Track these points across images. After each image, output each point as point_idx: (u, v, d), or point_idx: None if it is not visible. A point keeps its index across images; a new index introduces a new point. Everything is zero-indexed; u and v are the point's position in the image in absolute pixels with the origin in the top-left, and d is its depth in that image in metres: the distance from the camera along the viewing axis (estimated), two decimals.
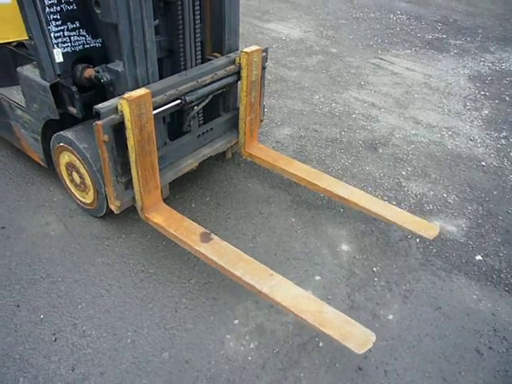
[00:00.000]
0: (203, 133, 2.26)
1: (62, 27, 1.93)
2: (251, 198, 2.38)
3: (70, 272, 1.94)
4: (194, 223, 1.89)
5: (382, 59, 4.20)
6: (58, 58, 1.94)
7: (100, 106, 1.67)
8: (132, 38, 1.78)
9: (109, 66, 1.88)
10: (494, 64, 4.14)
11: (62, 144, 2.08)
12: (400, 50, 4.42)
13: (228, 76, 2.15)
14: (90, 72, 1.95)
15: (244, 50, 2.12)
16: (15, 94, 2.32)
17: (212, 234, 1.82)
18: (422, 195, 2.44)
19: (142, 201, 1.88)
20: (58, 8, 1.90)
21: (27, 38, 2.29)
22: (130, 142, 1.71)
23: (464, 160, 2.75)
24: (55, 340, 1.67)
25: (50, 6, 1.87)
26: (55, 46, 1.92)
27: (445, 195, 2.44)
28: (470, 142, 2.93)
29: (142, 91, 1.70)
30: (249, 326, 1.73)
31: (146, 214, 1.91)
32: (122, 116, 1.67)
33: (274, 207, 2.33)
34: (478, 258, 2.06)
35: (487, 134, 3.04)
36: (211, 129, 2.31)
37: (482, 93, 3.59)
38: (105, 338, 1.68)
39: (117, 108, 1.69)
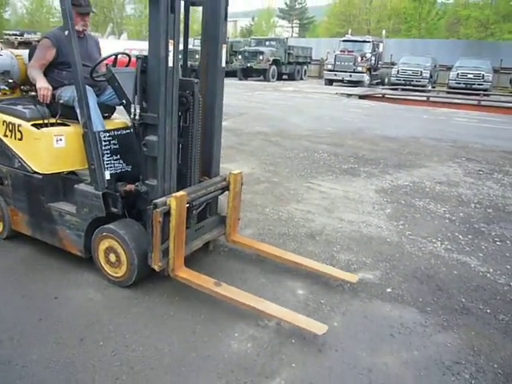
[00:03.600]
0: (203, 226, 3.34)
1: (110, 158, 3.05)
2: (232, 271, 3.36)
3: (114, 318, 2.75)
4: (207, 276, 2.89)
5: (311, 183, 5.59)
6: (107, 176, 3.02)
7: (156, 201, 2.74)
8: (164, 164, 2.91)
9: (146, 182, 2.97)
10: (393, 181, 5.66)
11: (104, 233, 3.04)
12: (324, 177, 5.87)
13: (221, 188, 3.33)
14: (130, 186, 3.02)
15: (232, 172, 3.34)
16: (63, 205, 3.30)
17: (221, 282, 2.81)
18: (348, 260, 3.54)
19: (174, 263, 2.86)
20: (109, 147, 3.05)
21: (77, 168, 3.41)
22: (172, 223, 2.76)
23: (375, 239, 3.94)
24: (114, 355, 2.45)
25: (105, 145, 3.01)
26: (106, 169, 3.02)
27: (364, 259, 3.56)
28: (379, 229, 4.16)
29: (182, 193, 2.82)
30: (244, 335, 2.61)
31: (176, 272, 2.88)
32: (169, 207, 2.74)
33: (249, 275, 3.31)
34: (388, 290, 3.12)
35: (390, 223, 4.31)
36: (210, 221, 3.43)
37: (385, 199, 4.97)
38: (148, 353, 2.48)
39: (165, 202, 2.75)
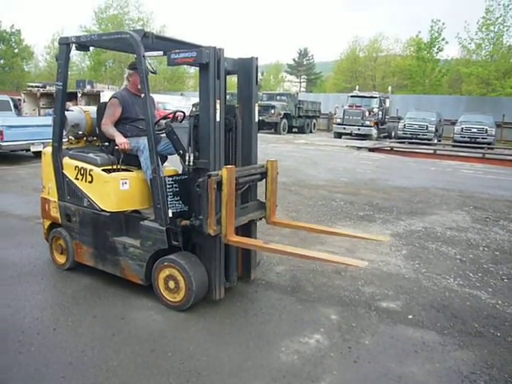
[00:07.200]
0: (247, 206, 3.86)
1: (172, 199, 3.62)
2: (271, 299, 3.84)
3: (177, 334, 3.23)
4: (257, 239, 3.57)
5: (332, 227, 6.10)
6: (170, 214, 3.57)
7: (210, 173, 3.31)
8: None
9: (199, 217, 3.51)
10: (406, 227, 6.17)
11: (165, 263, 3.55)
12: (343, 222, 6.39)
13: (260, 173, 3.87)
14: (186, 222, 3.57)
15: (269, 160, 3.90)
16: (127, 239, 3.84)
17: (269, 241, 3.48)
18: (372, 293, 4.01)
19: (226, 229, 3.36)
20: (171, 190, 3.62)
21: (137, 207, 3.96)
22: (224, 191, 3.29)
23: (395, 275, 4.41)
24: (183, 363, 2.91)
25: (169, 189, 3.58)
26: (169, 208, 3.57)
27: (386, 292, 4.03)
28: (397, 267, 4.64)
29: (231, 166, 3.40)
30: (290, 349, 3.07)
31: (228, 237, 3.39)
32: (221, 177, 3.29)
33: (287, 302, 3.78)
34: (410, 316, 3.58)
35: (407, 262, 4.79)
36: (252, 204, 3.95)
37: (401, 242, 5.47)
38: (211, 361, 2.94)
39: (218, 174, 3.32)
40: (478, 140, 20.05)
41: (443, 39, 33.17)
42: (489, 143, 19.57)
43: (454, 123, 22.65)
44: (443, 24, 32.65)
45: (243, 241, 3.52)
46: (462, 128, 20.89)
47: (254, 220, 3.97)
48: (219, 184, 3.35)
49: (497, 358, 3.03)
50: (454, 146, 19.68)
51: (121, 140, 3.92)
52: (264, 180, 3.94)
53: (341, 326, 3.41)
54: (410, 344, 3.18)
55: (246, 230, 3.93)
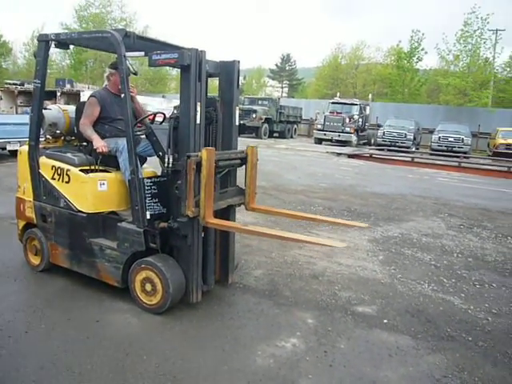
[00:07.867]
0: (226, 191, 3.85)
1: (151, 201, 3.59)
2: (249, 302, 3.84)
3: (153, 338, 3.20)
4: (235, 222, 3.60)
5: (310, 232, 6.13)
6: (147, 216, 3.55)
7: (189, 154, 3.30)
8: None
9: (177, 219, 3.50)
10: (383, 233, 6.25)
11: (143, 266, 3.52)
12: (321, 227, 6.43)
13: (241, 158, 3.87)
14: (164, 224, 3.55)
15: (249, 146, 3.89)
16: (103, 241, 3.79)
17: (248, 224, 3.34)
18: (349, 297, 4.04)
19: (205, 211, 3.34)
20: (150, 191, 3.59)
21: (115, 209, 3.92)
22: (203, 173, 3.27)
23: (371, 280, 4.47)
24: (158, 366, 2.88)
25: (147, 190, 3.56)
26: (147, 209, 3.54)
27: (362, 296, 4.07)
28: (373, 272, 4.70)
29: (211, 148, 3.38)
30: (266, 353, 3.07)
31: (206, 219, 3.36)
32: (201, 158, 3.27)
33: (264, 306, 3.79)
34: (385, 321, 3.62)
35: (383, 268, 4.85)
36: (231, 190, 3.92)
37: (378, 248, 5.54)
38: (187, 365, 2.92)
39: (197, 155, 3.30)
40: (454, 149, 20.47)
41: (422, 49, 33.73)
42: (465, 152, 19.97)
43: (431, 132, 23.10)
44: (423, 34, 33.22)
45: (221, 223, 3.52)
46: (440, 137, 21.30)
47: (232, 206, 3.95)
48: (198, 165, 3.33)
49: (468, 362, 3.09)
50: (431, 154, 20.09)
51: (98, 144, 3.87)
52: (244, 166, 3.94)
53: (317, 330, 3.43)
54: (384, 348, 3.22)
55: (225, 214, 3.91)
